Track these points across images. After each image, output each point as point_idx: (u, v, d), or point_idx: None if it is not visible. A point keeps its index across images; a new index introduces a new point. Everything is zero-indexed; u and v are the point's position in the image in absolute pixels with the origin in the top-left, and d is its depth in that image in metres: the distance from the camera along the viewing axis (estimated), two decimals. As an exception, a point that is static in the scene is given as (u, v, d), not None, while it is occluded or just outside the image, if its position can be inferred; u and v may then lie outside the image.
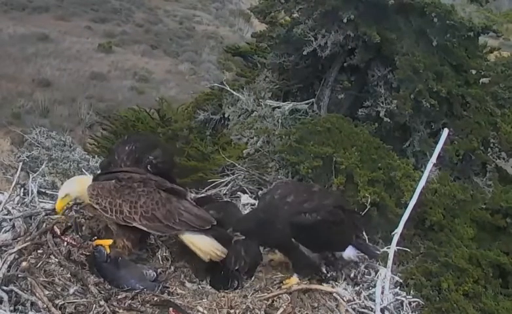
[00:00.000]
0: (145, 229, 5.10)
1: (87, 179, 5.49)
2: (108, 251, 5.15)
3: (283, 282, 5.18)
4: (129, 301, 4.81)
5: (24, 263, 4.97)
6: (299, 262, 5.21)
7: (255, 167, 9.71)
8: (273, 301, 4.98)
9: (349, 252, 5.39)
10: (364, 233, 6.03)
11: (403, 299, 5.50)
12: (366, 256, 5.66)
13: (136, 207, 5.07)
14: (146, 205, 5.08)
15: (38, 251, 5.21)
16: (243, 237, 5.03)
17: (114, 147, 6.32)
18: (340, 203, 5.53)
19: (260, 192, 7.02)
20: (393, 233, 5.90)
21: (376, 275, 5.55)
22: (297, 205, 5.10)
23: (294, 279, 5.17)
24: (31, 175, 6.33)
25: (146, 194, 5.11)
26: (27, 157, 8.89)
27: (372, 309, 5.18)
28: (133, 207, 5.07)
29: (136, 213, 5.07)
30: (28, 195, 5.96)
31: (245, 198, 7.05)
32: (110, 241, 5.23)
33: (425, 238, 9.46)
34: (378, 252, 5.74)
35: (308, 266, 5.23)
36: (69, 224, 5.51)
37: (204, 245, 5.15)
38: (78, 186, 5.38)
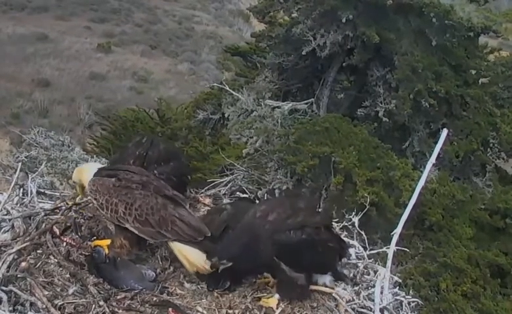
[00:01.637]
0: (136, 232, 5.09)
1: (88, 167, 5.52)
2: (106, 252, 5.14)
3: (262, 300, 4.93)
4: (129, 302, 4.80)
5: (23, 264, 4.95)
6: (283, 282, 4.92)
7: (254, 167, 9.73)
8: (272, 301, 4.97)
9: (326, 278, 5.11)
10: (365, 235, 6.00)
11: (402, 299, 5.49)
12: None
13: (131, 209, 5.06)
14: (141, 208, 5.05)
15: (38, 251, 5.19)
16: (230, 264, 4.75)
17: (129, 145, 6.22)
18: (327, 222, 5.20)
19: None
20: (392, 233, 5.88)
21: (375, 275, 5.53)
22: (280, 223, 4.79)
23: (274, 299, 4.89)
24: (30, 175, 6.31)
25: (142, 198, 5.08)
26: (25, 157, 8.87)
27: (371, 309, 5.16)
28: (128, 209, 5.06)
29: (130, 215, 5.06)
30: (27, 195, 5.94)
31: (244, 198, 7.02)
32: (108, 241, 5.21)
33: (424, 238, 9.46)
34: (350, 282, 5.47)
35: (291, 288, 4.93)
36: (68, 224, 5.50)
37: (192, 256, 5.03)
38: (77, 174, 5.52)
